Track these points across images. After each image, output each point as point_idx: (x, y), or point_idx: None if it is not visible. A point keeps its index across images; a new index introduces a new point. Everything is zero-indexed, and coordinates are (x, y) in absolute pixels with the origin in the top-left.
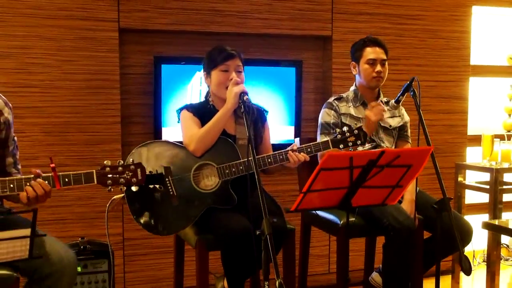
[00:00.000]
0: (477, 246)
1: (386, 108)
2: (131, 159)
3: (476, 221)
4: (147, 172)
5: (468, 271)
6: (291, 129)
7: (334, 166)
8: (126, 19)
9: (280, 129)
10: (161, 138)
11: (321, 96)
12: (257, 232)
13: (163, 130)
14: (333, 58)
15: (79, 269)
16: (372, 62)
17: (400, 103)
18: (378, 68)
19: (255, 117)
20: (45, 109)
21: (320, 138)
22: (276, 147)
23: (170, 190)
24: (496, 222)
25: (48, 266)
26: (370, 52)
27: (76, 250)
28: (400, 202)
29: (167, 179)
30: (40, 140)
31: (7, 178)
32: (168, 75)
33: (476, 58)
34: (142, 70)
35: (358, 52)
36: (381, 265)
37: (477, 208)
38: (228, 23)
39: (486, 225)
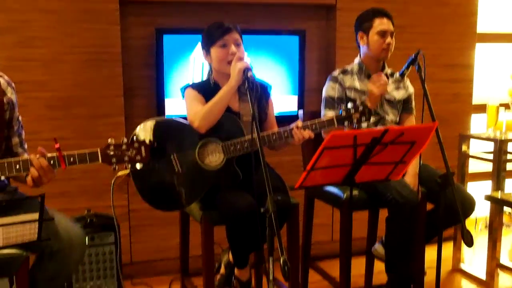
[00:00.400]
0: (480, 213)
1: (390, 80)
2: (135, 136)
3: (479, 189)
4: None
5: (470, 243)
6: (294, 98)
7: (338, 144)
8: None
9: (283, 99)
10: (164, 110)
11: (324, 66)
12: (262, 210)
13: (166, 101)
14: (337, 28)
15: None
16: (383, 34)
17: (405, 77)
18: (389, 39)
19: (259, 94)
20: (48, 83)
21: (325, 113)
22: (279, 119)
23: (175, 167)
24: (499, 195)
25: (57, 243)
26: (380, 24)
27: (82, 224)
28: (403, 175)
29: (172, 156)
30: (43, 114)
31: (12, 159)
32: (170, 46)
33: (483, 25)
34: (144, 42)
35: (367, 23)
36: (383, 237)
37: (480, 176)
38: None
39: (489, 198)
